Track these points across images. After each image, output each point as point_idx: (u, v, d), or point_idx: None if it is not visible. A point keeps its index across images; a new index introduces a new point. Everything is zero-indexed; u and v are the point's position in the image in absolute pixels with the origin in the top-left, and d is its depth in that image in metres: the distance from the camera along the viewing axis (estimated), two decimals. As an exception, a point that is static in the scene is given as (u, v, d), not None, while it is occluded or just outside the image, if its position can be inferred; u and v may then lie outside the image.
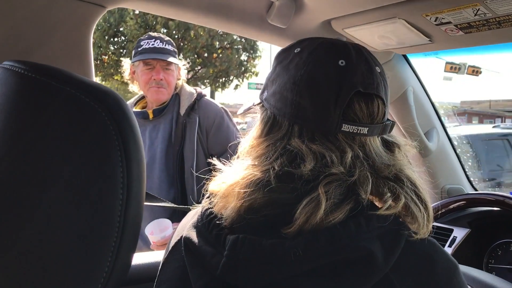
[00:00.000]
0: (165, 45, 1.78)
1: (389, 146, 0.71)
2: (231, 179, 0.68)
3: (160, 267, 0.73)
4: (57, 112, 0.44)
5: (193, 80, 19.03)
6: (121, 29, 16.90)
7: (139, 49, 1.80)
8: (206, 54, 18.07)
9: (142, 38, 1.82)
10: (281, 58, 0.74)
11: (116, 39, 17.15)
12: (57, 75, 0.45)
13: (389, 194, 0.63)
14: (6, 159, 0.43)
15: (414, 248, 0.61)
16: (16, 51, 0.88)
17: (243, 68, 19.20)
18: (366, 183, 0.62)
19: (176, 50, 1.85)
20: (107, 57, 17.55)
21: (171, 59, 1.77)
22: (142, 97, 1.94)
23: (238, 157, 0.75)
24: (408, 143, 0.73)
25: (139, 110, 1.86)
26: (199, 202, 0.76)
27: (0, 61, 0.85)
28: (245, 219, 0.63)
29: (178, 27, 15.80)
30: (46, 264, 0.43)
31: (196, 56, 17.69)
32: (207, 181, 0.73)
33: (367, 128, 0.66)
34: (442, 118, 1.70)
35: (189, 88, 1.90)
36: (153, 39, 1.78)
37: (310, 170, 0.62)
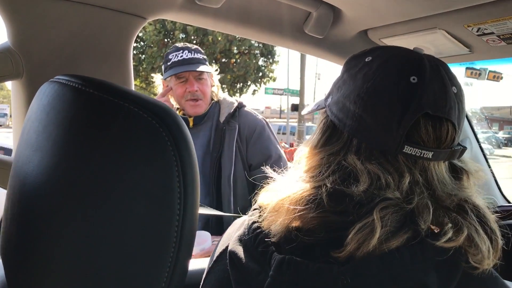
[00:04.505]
0: (194, 55, 1.75)
1: (457, 172, 0.65)
2: (282, 192, 0.66)
3: (204, 276, 0.73)
4: (116, 127, 0.44)
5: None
6: (140, 34, 17.11)
7: (168, 63, 1.76)
8: (224, 60, 18.17)
9: (169, 51, 1.79)
10: (350, 65, 0.69)
11: (135, 44, 17.38)
12: (116, 91, 0.45)
13: (450, 225, 0.58)
14: (61, 171, 0.44)
15: (472, 282, 0.57)
16: (61, 62, 0.89)
17: (260, 73, 19.25)
18: (426, 213, 0.58)
19: (205, 56, 1.82)
20: (126, 62, 17.81)
21: (202, 67, 1.73)
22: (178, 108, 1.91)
23: (290, 167, 0.73)
24: (480, 169, 0.67)
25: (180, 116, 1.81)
26: (236, 212, 0.75)
27: (47, 72, 0.87)
28: (293, 239, 0.61)
29: (197, 33, 15.94)
30: (110, 269, 0.43)
31: (214, 61, 17.81)
32: (252, 191, 0.72)
33: (432, 153, 0.61)
34: (474, 128, 1.67)
35: (229, 98, 1.87)
36: (181, 50, 1.74)
37: (363, 191, 0.59)
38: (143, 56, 17.56)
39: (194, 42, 16.26)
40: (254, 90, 19.99)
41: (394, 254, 0.55)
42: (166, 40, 16.23)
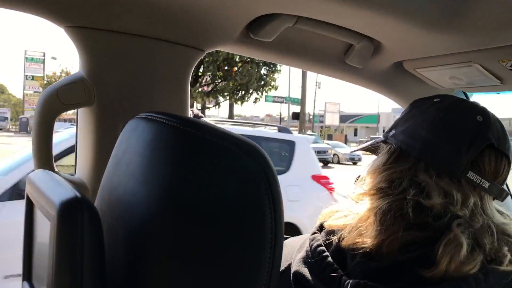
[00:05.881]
0: None
1: (501, 214, 0.72)
2: (358, 208, 0.71)
3: None
4: (212, 162, 0.48)
5: (213, 93, 19.24)
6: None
7: None
8: (226, 68, 18.26)
9: None
10: (418, 103, 0.80)
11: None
12: (210, 130, 0.50)
13: (506, 248, 0.64)
14: (169, 203, 0.49)
15: None
16: (128, 91, 0.95)
17: (262, 82, 19.32)
18: (492, 234, 0.64)
19: None
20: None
21: None
22: None
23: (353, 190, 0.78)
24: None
25: None
26: None
27: (116, 100, 0.93)
28: (364, 262, 0.65)
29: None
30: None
31: (217, 69, 17.91)
32: None
33: (489, 184, 0.69)
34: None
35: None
36: None
37: (440, 204, 0.65)
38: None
39: (198, 50, 16.35)
40: (256, 98, 20.04)
41: (462, 280, 0.60)
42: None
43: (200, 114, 1.82)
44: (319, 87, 38.37)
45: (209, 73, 18.16)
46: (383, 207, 0.68)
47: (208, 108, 24.35)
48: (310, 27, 1.01)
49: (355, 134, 52.23)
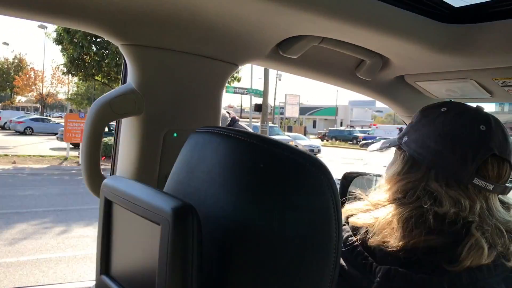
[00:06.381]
0: None
1: (505, 205, 0.83)
2: (381, 213, 0.81)
3: None
4: (285, 176, 0.54)
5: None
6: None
7: None
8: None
9: None
10: (426, 113, 0.88)
11: (99, 39, 16.98)
12: (286, 147, 0.56)
13: None
14: (253, 212, 0.54)
15: None
16: (172, 102, 1.04)
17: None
18: (502, 235, 0.76)
19: None
20: (88, 57, 17.36)
21: None
22: None
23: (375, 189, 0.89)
24: None
25: None
26: None
27: (162, 110, 1.01)
28: (391, 253, 0.76)
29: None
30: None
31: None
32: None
33: (493, 186, 0.78)
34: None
35: (223, 112, 1.99)
36: None
37: (453, 213, 0.76)
38: (107, 51, 17.16)
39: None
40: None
41: (477, 269, 0.72)
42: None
43: (237, 118, 1.89)
44: (279, 79, 38.65)
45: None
46: (405, 215, 0.78)
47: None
48: (331, 45, 1.13)
49: (314, 126, 53.10)
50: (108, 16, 0.91)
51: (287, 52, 1.11)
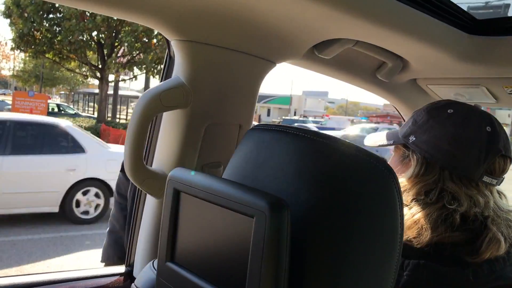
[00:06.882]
0: None
1: (499, 194, 0.93)
2: (406, 212, 0.86)
3: None
4: (359, 174, 0.58)
5: (129, 65, 18.53)
6: (57, 5, 15.98)
7: None
8: (145, 39, 17.61)
9: None
10: (434, 114, 0.93)
11: (51, 16, 16.24)
12: (354, 146, 0.60)
13: None
14: (325, 210, 0.57)
15: None
16: (214, 97, 1.05)
17: (183, 57, 18.89)
18: (509, 226, 0.84)
19: None
20: (39, 33, 16.54)
21: None
22: None
23: None
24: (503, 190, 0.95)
25: None
26: None
27: (206, 104, 1.02)
28: (418, 249, 0.82)
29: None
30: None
31: (135, 40, 17.24)
32: None
33: (496, 181, 0.88)
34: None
35: None
36: None
37: (471, 209, 0.83)
38: (59, 28, 16.42)
39: (116, 17, 15.59)
40: (175, 74, 19.56)
41: (498, 260, 0.81)
42: (87, 13, 15.32)
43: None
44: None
45: (126, 44, 17.41)
46: (433, 215, 0.84)
47: (124, 80, 23.38)
48: (363, 48, 1.17)
49: (268, 115, 53.50)
50: (168, 12, 0.91)
51: (322, 53, 1.15)
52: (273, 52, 1.11)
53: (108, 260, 1.97)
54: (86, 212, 6.38)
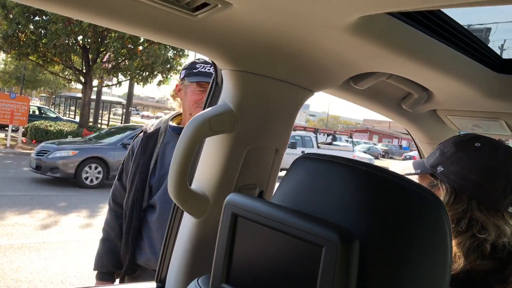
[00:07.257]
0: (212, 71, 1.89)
1: None
2: None
3: None
4: (410, 206, 0.61)
5: (114, 71, 18.38)
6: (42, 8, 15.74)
7: (194, 70, 1.88)
8: (131, 46, 17.49)
9: (196, 61, 1.92)
10: (461, 146, 0.98)
11: (37, 18, 16.00)
12: (406, 179, 0.63)
13: None
14: (380, 237, 0.60)
15: None
16: (257, 123, 1.08)
17: (169, 65, 18.87)
18: None
19: None
20: (24, 35, 16.28)
21: None
22: (179, 114, 2.00)
23: None
24: None
25: (175, 125, 1.91)
26: None
27: (249, 129, 1.05)
28: (457, 277, 0.86)
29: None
30: None
31: (121, 46, 17.12)
32: None
33: None
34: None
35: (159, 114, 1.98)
36: (209, 65, 1.88)
37: (499, 239, 0.88)
38: (44, 31, 16.19)
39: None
40: (160, 81, 19.52)
41: None
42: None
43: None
44: (220, 76, 38.59)
45: (112, 49, 17.28)
46: (466, 244, 0.89)
47: (108, 86, 23.14)
48: (395, 81, 1.22)
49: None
50: (225, 45, 0.95)
51: (358, 84, 1.19)
52: (314, 82, 1.14)
53: (102, 268, 1.96)
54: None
